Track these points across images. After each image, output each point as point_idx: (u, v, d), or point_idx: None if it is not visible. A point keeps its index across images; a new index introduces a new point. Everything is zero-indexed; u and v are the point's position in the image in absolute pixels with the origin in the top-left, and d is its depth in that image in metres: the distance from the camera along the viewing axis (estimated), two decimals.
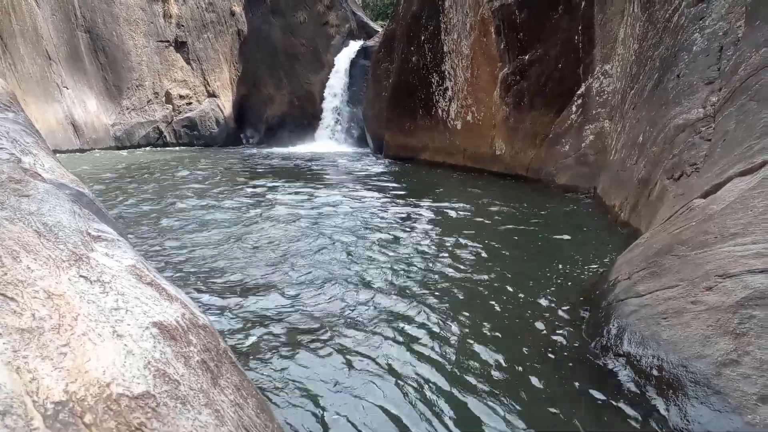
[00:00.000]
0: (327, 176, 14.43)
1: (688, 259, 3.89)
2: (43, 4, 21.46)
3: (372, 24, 29.12)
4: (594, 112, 11.06)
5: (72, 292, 1.59)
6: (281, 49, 27.42)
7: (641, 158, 7.37)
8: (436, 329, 4.41)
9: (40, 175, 2.75)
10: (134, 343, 1.55)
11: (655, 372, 3.30)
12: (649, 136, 7.24)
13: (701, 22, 6.70)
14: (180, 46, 25.95)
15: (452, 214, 8.98)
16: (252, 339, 4.26)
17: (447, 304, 4.93)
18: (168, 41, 25.60)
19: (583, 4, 11.25)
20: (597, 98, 11.05)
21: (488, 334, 4.35)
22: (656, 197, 6.20)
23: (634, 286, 4.11)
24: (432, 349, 4.08)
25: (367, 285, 5.50)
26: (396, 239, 7.36)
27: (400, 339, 4.23)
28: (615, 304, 4.15)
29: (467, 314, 4.72)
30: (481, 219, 8.55)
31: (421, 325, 4.50)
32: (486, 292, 5.26)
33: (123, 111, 24.34)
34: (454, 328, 4.44)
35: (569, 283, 5.45)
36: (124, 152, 22.63)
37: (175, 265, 6.19)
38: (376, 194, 10.97)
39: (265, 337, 4.30)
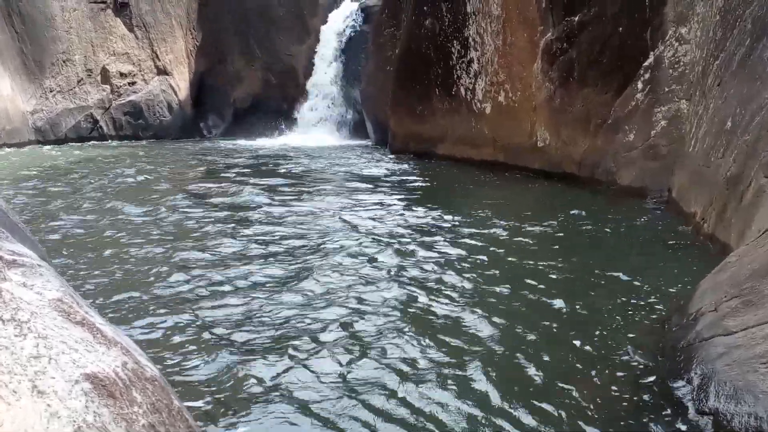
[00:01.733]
0: (310, 182, 14.44)
1: None
2: None
3: None
4: (667, 89, 11.07)
5: None
6: (254, 10, 27.54)
7: (730, 150, 7.37)
8: (487, 381, 4.42)
9: None
10: (60, 402, 1.55)
11: None
12: (741, 121, 7.24)
13: None
14: (120, 8, 26.11)
15: (483, 231, 8.98)
16: (214, 395, 4.25)
17: (492, 353, 4.93)
18: (104, 2, 25.77)
19: None
20: (670, 71, 11.06)
21: (542, 380, 4.35)
22: (750, 201, 6.19)
23: (723, 321, 4.10)
24: (490, 401, 4.09)
25: (367, 342, 5.52)
26: (413, 282, 7.38)
27: (452, 400, 4.24)
28: (697, 344, 4.14)
29: (512, 368, 4.72)
30: (521, 237, 8.55)
31: (476, 371, 4.51)
32: (538, 330, 5.26)
33: (45, 94, 24.47)
34: (504, 380, 4.44)
35: (638, 318, 5.44)
36: (46, 148, 22.71)
37: (114, 297, 6.20)
38: (379, 208, 10.96)
39: (231, 392, 4.30)
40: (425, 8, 17.60)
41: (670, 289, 6.14)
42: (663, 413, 3.84)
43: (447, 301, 6.06)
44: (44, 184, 13.61)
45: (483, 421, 3.91)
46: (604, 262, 7.26)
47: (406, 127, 18.98)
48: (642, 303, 5.80)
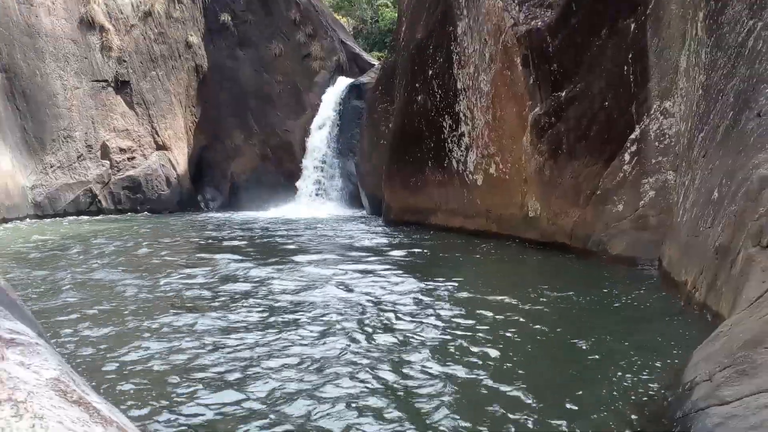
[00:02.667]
0: (306, 252, 14.45)
1: None
2: None
3: (366, 56, 30.01)
4: (653, 161, 11.22)
5: None
6: (251, 88, 28.09)
7: (718, 220, 7.42)
8: None
9: None
10: None
11: None
12: (727, 192, 7.31)
13: None
14: (121, 86, 26.57)
15: (474, 303, 8.95)
16: None
17: (478, 423, 4.85)
18: (106, 81, 26.24)
19: (633, 26, 11.60)
20: (656, 144, 11.23)
21: None
22: (740, 271, 6.20)
23: (718, 390, 4.06)
24: None
25: (375, 410, 5.44)
26: (404, 344, 7.34)
27: None
28: (693, 414, 4.09)
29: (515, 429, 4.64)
30: (511, 307, 8.52)
31: None
32: (532, 402, 5.19)
33: (46, 169, 24.65)
34: None
35: (633, 389, 5.38)
36: (45, 223, 22.75)
37: (110, 371, 6.13)
38: (372, 278, 10.94)
39: None
40: (417, 85, 17.97)
41: (664, 359, 6.09)
42: None
43: (430, 365, 6.00)
44: (41, 259, 13.58)
45: None
46: (596, 333, 7.22)
47: (400, 199, 19.13)
48: (636, 373, 5.75)
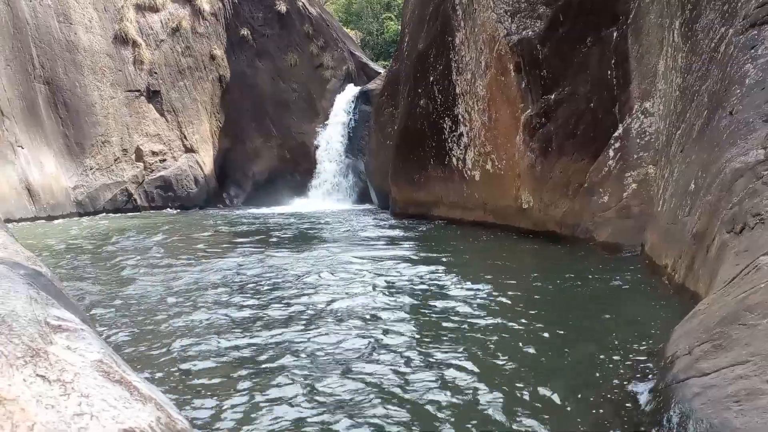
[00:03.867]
0: (321, 240, 14.47)
1: (759, 328, 3.84)
2: None
3: (373, 65, 29.95)
4: (635, 156, 11.17)
5: (27, 396, 1.58)
6: (269, 96, 28.11)
7: (695, 209, 7.38)
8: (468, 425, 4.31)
9: None
10: None
11: None
12: (703, 183, 7.27)
13: (753, 51, 6.85)
14: (152, 95, 26.63)
15: (469, 287, 8.92)
16: None
17: (471, 401, 4.83)
18: (139, 90, 26.29)
19: (615, 34, 11.55)
20: (638, 140, 11.17)
21: (522, 427, 4.25)
22: (715, 255, 6.17)
23: (697, 363, 4.04)
24: None
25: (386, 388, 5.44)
26: (408, 318, 7.33)
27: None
28: (674, 385, 4.07)
29: (500, 403, 4.63)
30: (504, 293, 8.48)
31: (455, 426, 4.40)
32: (520, 375, 5.17)
33: (86, 171, 24.74)
34: (489, 424, 4.34)
35: (618, 362, 5.36)
36: (86, 219, 22.85)
37: (148, 353, 6.14)
38: (381, 263, 10.94)
39: None
40: (420, 90, 17.93)
41: (646, 335, 6.07)
42: None
43: (431, 345, 5.99)
44: (84, 251, 13.62)
45: None
46: (582, 311, 7.21)
47: (405, 194, 19.12)
48: (619, 348, 5.72)
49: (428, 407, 4.65)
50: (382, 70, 28.05)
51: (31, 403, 1.56)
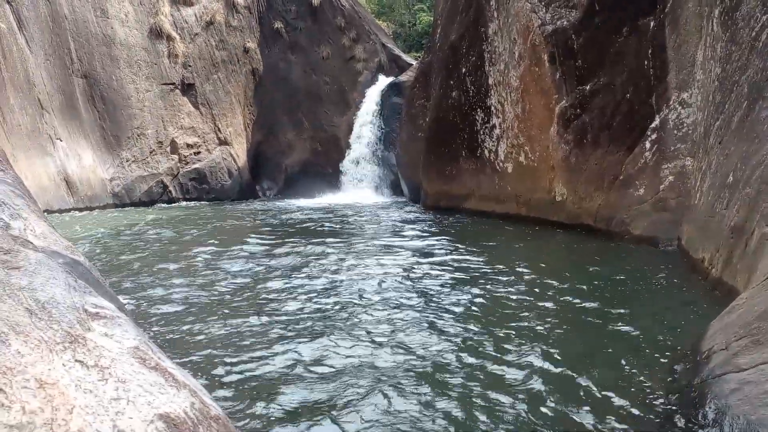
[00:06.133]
0: (353, 234, 14.51)
1: None
2: (36, 48, 22.65)
3: (405, 57, 29.83)
4: (672, 148, 10.98)
5: (67, 380, 1.62)
6: (302, 88, 28.24)
7: (733, 202, 7.25)
8: (510, 423, 4.30)
9: (31, 242, 2.85)
10: None
11: None
12: (742, 176, 7.13)
13: None
14: (187, 88, 26.94)
15: (506, 279, 8.89)
16: None
17: (512, 396, 4.82)
18: (173, 84, 26.61)
19: (652, 24, 11.35)
20: (675, 132, 10.99)
21: (561, 419, 4.23)
22: (755, 248, 6.05)
23: (734, 359, 3.98)
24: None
25: (425, 378, 5.45)
26: (441, 319, 7.34)
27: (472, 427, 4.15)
28: (710, 381, 4.01)
29: (541, 395, 4.61)
30: (542, 285, 8.43)
31: (495, 419, 4.40)
32: (557, 371, 5.15)
33: (122, 164, 25.15)
34: (530, 414, 4.33)
35: (654, 358, 5.30)
36: (123, 211, 23.26)
37: (183, 344, 6.24)
38: (411, 258, 10.92)
39: (291, 430, 4.26)
40: (452, 82, 17.84)
41: (683, 329, 5.98)
42: None
43: (464, 335, 5.99)
44: (119, 241, 13.87)
45: None
46: (619, 306, 7.13)
47: (437, 186, 19.06)
48: (656, 343, 5.66)
49: (474, 389, 4.66)
50: (414, 62, 27.92)
51: (70, 388, 1.60)
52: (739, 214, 6.90)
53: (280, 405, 4.64)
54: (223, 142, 27.46)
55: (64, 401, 1.54)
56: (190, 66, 26.87)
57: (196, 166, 26.81)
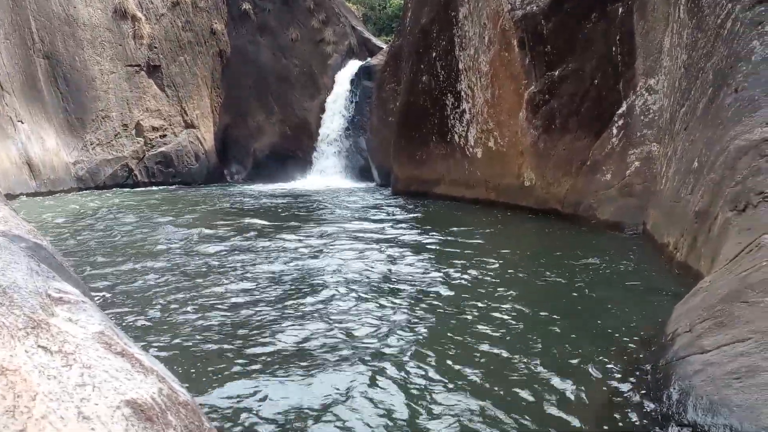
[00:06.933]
0: (322, 219, 14.47)
1: (761, 305, 3.85)
2: None
3: (375, 40, 29.71)
4: (639, 134, 11.12)
5: (29, 367, 1.58)
6: (271, 71, 27.95)
7: (698, 187, 7.37)
8: (472, 408, 4.33)
9: None
10: (103, 426, 1.53)
11: None
12: (706, 161, 7.25)
13: (760, 27, 6.78)
14: (153, 70, 26.49)
15: (474, 264, 8.94)
16: (242, 419, 4.20)
17: (478, 376, 4.86)
18: (139, 65, 26.15)
19: (620, 10, 11.44)
20: (641, 118, 11.12)
21: (525, 403, 4.28)
22: (718, 233, 6.17)
23: (698, 340, 4.06)
24: (476, 423, 4.01)
25: (387, 358, 5.46)
26: (410, 300, 7.35)
27: (442, 412, 4.18)
28: (675, 362, 4.09)
29: (505, 380, 4.65)
30: (508, 271, 8.50)
31: (458, 407, 4.43)
32: (523, 355, 5.19)
33: (86, 147, 24.70)
34: (493, 401, 4.36)
35: (619, 340, 5.38)
36: (87, 194, 22.85)
37: (149, 330, 6.17)
38: (379, 243, 10.93)
39: (260, 417, 4.25)
40: (422, 66, 17.82)
41: (647, 314, 6.08)
42: (645, 426, 3.78)
43: (432, 316, 6.02)
44: (83, 226, 13.64)
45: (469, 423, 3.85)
46: (584, 289, 7.22)
47: (407, 171, 19.08)
48: (620, 327, 5.74)
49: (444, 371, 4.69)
50: (384, 46, 27.82)
51: (33, 374, 1.57)
52: (703, 199, 7.02)
53: (249, 391, 4.62)
54: (189, 125, 27.10)
55: (27, 388, 1.51)
56: (155, 47, 26.42)
57: (162, 149, 26.44)
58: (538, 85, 12.97)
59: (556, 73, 12.58)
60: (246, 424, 4.12)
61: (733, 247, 5.39)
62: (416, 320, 6.25)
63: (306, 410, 4.28)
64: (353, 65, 26.97)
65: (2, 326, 1.68)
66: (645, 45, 11.11)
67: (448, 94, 16.74)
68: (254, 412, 4.29)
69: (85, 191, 23.90)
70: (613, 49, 11.58)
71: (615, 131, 11.57)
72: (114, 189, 24.74)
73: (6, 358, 1.56)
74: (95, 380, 1.68)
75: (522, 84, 13.46)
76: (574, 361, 4.96)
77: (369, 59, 26.74)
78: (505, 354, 5.21)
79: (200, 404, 3.18)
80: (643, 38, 11.13)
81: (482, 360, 5.11)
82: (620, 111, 11.50)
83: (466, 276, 8.01)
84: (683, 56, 9.26)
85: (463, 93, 16.14)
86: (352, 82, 26.23)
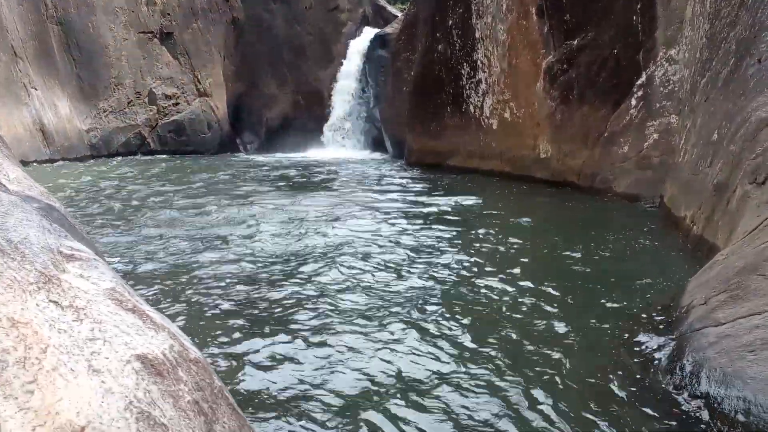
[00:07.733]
0: (336, 190, 14.46)
1: None
2: None
3: (390, 8, 29.36)
4: (658, 105, 10.99)
5: (40, 320, 1.59)
6: (284, 40, 27.71)
7: (717, 159, 7.28)
8: (492, 375, 4.35)
9: (3, 185, 2.79)
10: (113, 379, 1.54)
11: (740, 417, 3.22)
12: (726, 133, 7.15)
13: None
14: (166, 37, 26.37)
15: (491, 236, 8.92)
16: (252, 379, 4.25)
17: (499, 344, 4.88)
18: (152, 32, 26.04)
19: None
20: (661, 89, 10.97)
21: (545, 374, 4.30)
22: (736, 206, 6.11)
23: (713, 313, 4.04)
24: (492, 394, 4.03)
25: (404, 323, 5.49)
26: (426, 272, 7.36)
27: (457, 382, 4.21)
28: (689, 334, 4.08)
29: (523, 354, 4.67)
30: (524, 243, 8.48)
31: (475, 376, 4.44)
32: (540, 326, 5.20)
33: (99, 114, 24.74)
34: (511, 370, 4.39)
35: (635, 312, 5.38)
36: (100, 162, 22.96)
37: (162, 292, 6.23)
38: (394, 215, 10.89)
39: (269, 377, 4.29)
40: (438, 35, 17.62)
41: (663, 286, 6.06)
42: (658, 397, 3.78)
43: (450, 286, 6.03)
44: (95, 193, 13.72)
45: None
46: (602, 260, 7.21)
47: (421, 142, 18.97)
48: (636, 299, 5.74)
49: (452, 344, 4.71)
50: (399, 14, 27.49)
51: (44, 327, 1.58)
52: (722, 171, 6.93)
53: (259, 351, 4.67)
54: (202, 94, 27.03)
55: (38, 340, 1.52)
56: (168, 14, 26.27)
57: (175, 117, 26.41)
58: (557, 55, 12.81)
59: (575, 42, 12.40)
60: (258, 383, 4.17)
61: (751, 220, 5.33)
62: (431, 291, 6.26)
63: (314, 372, 4.32)
64: (367, 34, 26.66)
65: (14, 280, 1.69)
66: (666, 14, 10.92)
67: (464, 64, 16.56)
68: (266, 372, 4.33)
69: (98, 159, 24.00)
70: (634, 17, 11.39)
71: (633, 102, 11.43)
72: (128, 157, 24.81)
73: (17, 311, 1.57)
74: (106, 335, 1.69)
75: (540, 53, 13.29)
76: (589, 332, 4.97)
77: (384, 28, 26.44)
78: (518, 324, 5.23)
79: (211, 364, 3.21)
80: (664, 7, 10.94)
81: (498, 329, 5.12)
82: (639, 82, 11.35)
83: (481, 248, 8.01)
84: (705, 25, 9.09)
85: (479, 62, 15.97)
86: (366, 51, 25.96)
